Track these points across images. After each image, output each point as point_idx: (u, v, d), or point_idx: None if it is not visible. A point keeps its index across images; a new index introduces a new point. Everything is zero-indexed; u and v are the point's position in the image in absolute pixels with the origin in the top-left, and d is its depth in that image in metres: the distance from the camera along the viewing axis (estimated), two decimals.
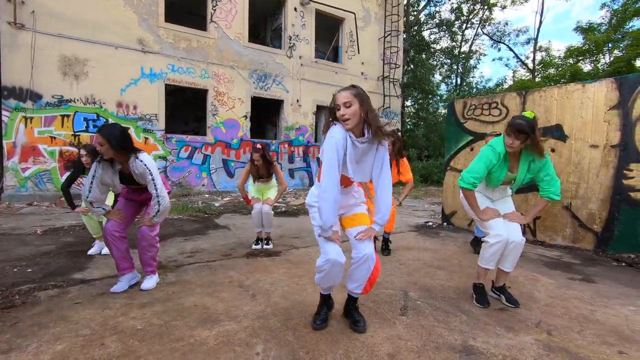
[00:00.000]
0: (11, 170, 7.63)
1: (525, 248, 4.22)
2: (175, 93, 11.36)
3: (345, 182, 2.05)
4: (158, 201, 2.58)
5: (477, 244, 4.10)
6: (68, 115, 8.21)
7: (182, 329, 2.05)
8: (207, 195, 9.44)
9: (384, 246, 3.92)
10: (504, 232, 2.42)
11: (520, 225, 2.53)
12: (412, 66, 21.67)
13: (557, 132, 4.36)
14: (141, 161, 2.51)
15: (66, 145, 8.16)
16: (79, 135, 8.28)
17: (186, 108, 13.45)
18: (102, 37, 8.49)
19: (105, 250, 3.61)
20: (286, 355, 1.79)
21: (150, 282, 2.74)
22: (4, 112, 7.53)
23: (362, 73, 13.34)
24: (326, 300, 2.19)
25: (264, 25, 13.48)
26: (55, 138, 8.07)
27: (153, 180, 2.53)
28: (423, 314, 2.33)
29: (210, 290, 2.68)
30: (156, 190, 2.55)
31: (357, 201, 2.15)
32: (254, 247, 4.05)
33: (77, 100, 8.30)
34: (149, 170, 2.52)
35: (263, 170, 3.98)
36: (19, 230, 4.85)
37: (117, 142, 2.43)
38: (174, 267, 3.27)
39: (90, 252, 3.67)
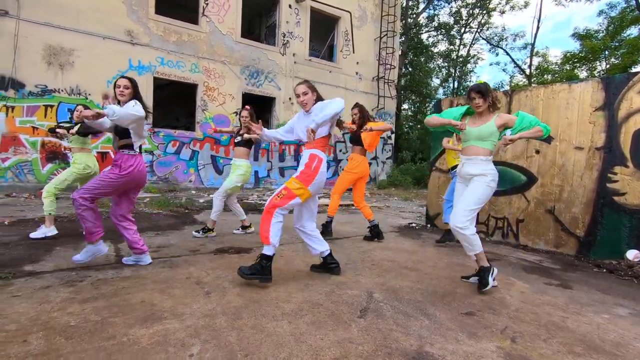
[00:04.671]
0: None
1: (505, 251, 4.16)
2: (167, 88, 11.20)
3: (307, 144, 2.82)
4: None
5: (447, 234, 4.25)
6: (52, 106, 8.05)
7: (118, 327, 1.90)
8: (193, 192, 9.28)
9: (322, 229, 4.22)
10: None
11: (466, 213, 2.68)
12: (410, 69, 21.59)
13: None
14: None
15: (48, 136, 7.98)
16: (63, 126, 8.08)
17: (178, 104, 13.29)
18: (89, 27, 8.33)
19: (50, 233, 3.77)
20: (222, 358, 1.64)
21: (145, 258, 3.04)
22: None
23: (356, 73, 13.23)
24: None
25: (259, 22, 13.36)
26: (37, 128, 7.90)
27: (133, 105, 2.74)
28: (383, 316, 2.19)
29: (164, 287, 2.53)
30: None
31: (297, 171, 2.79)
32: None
33: (62, 90, 8.13)
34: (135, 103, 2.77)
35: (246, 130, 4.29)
36: None
37: (137, 89, 2.92)
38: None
39: (32, 235, 3.72)
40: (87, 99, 8.34)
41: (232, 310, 2.17)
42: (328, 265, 2.96)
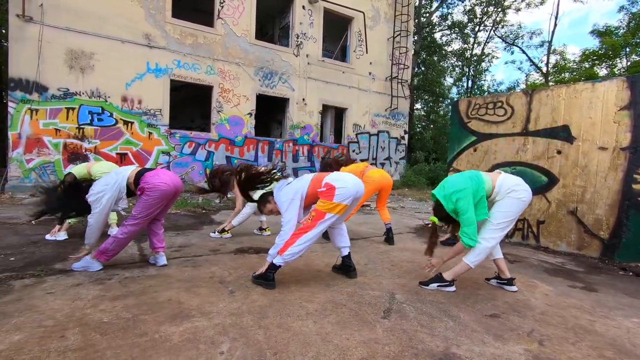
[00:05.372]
0: (15, 161, 7.70)
1: (526, 253, 4.11)
2: (183, 90, 11.38)
3: None
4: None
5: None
6: (73, 108, 8.26)
7: (149, 324, 1.95)
8: None
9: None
10: None
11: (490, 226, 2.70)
12: (423, 68, 21.42)
13: (564, 133, 4.17)
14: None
15: (70, 138, 8.21)
16: (84, 128, 8.32)
17: (193, 105, 13.48)
18: (108, 31, 8.53)
19: (60, 238, 3.88)
20: (251, 356, 1.68)
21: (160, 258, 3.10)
22: (10, 104, 7.61)
23: (369, 73, 13.19)
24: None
25: (272, 23, 13.45)
26: (59, 130, 8.12)
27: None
28: (407, 317, 2.19)
29: (189, 285, 2.58)
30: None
31: None
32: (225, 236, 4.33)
33: (83, 93, 8.34)
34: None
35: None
36: (15, 219, 4.85)
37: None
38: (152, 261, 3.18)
39: (47, 236, 3.89)
40: (106, 101, 8.54)
41: (257, 309, 2.21)
42: (346, 266, 2.96)
